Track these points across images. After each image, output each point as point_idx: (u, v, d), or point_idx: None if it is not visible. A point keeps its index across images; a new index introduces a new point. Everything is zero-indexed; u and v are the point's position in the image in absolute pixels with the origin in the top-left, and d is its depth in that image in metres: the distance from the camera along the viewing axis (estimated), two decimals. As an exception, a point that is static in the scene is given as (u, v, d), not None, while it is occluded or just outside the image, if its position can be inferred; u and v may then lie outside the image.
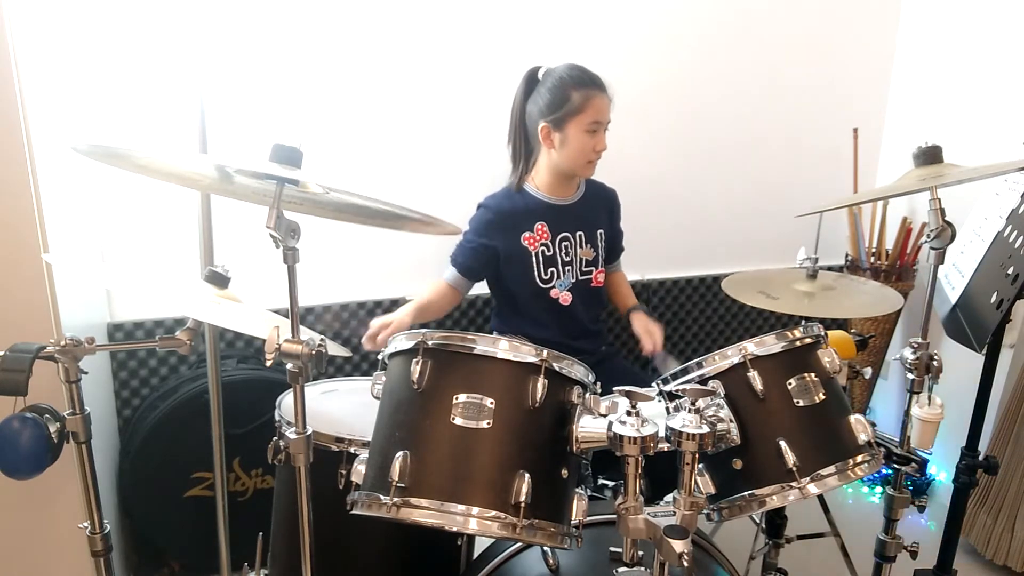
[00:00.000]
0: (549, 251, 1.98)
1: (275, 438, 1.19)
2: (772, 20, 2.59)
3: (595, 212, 2.07)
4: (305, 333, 1.10)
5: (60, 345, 1.21)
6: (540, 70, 1.96)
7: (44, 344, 1.20)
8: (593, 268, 2.05)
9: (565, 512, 1.06)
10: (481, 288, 2.14)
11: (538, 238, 1.97)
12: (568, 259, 2.00)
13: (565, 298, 2.00)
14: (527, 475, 1.00)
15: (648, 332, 1.99)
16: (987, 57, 2.43)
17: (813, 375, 1.20)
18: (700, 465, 1.16)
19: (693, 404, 1.00)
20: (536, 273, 1.97)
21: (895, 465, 1.48)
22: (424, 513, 0.98)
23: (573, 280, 2.01)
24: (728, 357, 1.20)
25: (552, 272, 1.98)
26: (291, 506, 1.14)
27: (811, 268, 1.64)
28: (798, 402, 1.18)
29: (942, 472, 2.59)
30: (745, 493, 1.16)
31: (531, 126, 1.94)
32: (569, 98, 1.84)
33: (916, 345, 1.41)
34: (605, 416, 1.06)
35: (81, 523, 1.33)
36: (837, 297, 1.62)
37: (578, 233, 2.02)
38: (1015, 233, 1.59)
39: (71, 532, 1.43)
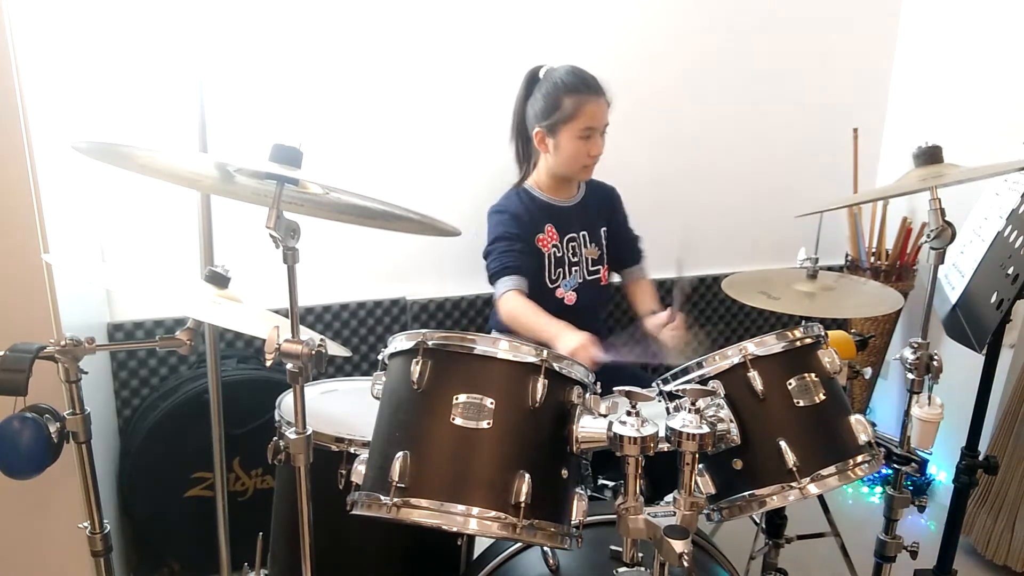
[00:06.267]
0: (559, 252, 1.98)
1: (275, 438, 1.18)
2: (773, 20, 2.59)
3: (596, 211, 2.07)
4: (305, 333, 1.10)
5: (60, 345, 1.21)
6: (542, 70, 1.95)
7: (44, 344, 1.20)
8: (600, 266, 2.05)
9: (565, 512, 1.06)
10: (481, 288, 2.15)
11: (549, 240, 1.96)
12: (576, 259, 2.00)
13: (570, 298, 2.00)
14: (527, 475, 0.99)
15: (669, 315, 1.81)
16: (987, 57, 2.43)
17: (813, 375, 1.20)
18: (700, 465, 1.16)
19: (693, 404, 1.00)
20: (546, 274, 1.97)
21: (895, 465, 1.48)
22: (424, 513, 0.98)
23: (580, 280, 2.01)
24: (728, 357, 1.20)
25: (560, 273, 1.98)
26: (291, 506, 1.13)
27: (811, 268, 1.64)
28: (798, 402, 1.18)
29: (942, 472, 2.59)
30: (745, 493, 1.16)
31: (529, 129, 1.94)
32: (561, 104, 1.83)
33: (916, 345, 1.41)
34: (605, 416, 1.06)
35: (81, 523, 1.33)
36: (837, 297, 1.62)
37: (582, 233, 2.02)
38: (1015, 233, 1.59)
39: (71, 532, 1.43)
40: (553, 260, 1.97)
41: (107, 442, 1.98)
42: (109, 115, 1.98)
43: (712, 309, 2.76)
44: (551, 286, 1.98)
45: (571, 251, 2.00)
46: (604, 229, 2.07)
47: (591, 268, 2.03)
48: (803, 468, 1.13)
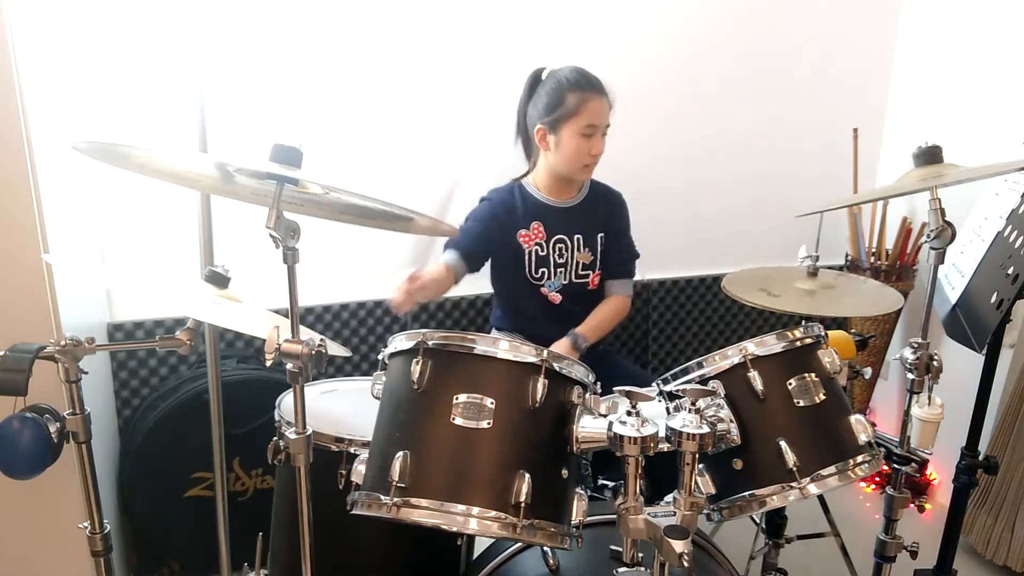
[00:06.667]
0: (543, 251, 1.97)
1: (275, 438, 1.18)
2: (773, 20, 2.59)
3: (596, 215, 2.05)
4: (305, 333, 1.10)
5: (60, 345, 1.21)
6: (544, 71, 1.95)
7: (44, 344, 1.20)
8: (590, 272, 2.03)
9: (565, 512, 1.06)
10: (481, 288, 2.15)
11: (533, 237, 1.96)
12: (562, 261, 1.99)
13: (554, 297, 2.00)
14: (527, 475, 0.99)
15: None
16: (987, 57, 2.43)
17: (813, 375, 1.20)
18: (700, 465, 1.16)
19: (693, 404, 1.00)
20: (528, 270, 1.97)
21: (895, 465, 1.48)
22: (424, 513, 0.98)
23: (565, 282, 2.00)
24: (728, 357, 1.20)
25: (543, 272, 1.98)
26: (291, 506, 1.14)
27: (812, 266, 1.64)
28: (798, 402, 1.18)
29: (942, 472, 2.58)
30: (745, 493, 1.16)
31: (530, 128, 1.94)
32: (564, 101, 1.83)
33: (916, 345, 1.41)
34: (605, 416, 1.06)
35: (81, 523, 1.33)
36: (838, 295, 1.62)
37: (576, 236, 2.00)
38: (1015, 233, 1.59)
39: (71, 532, 1.43)
40: (535, 258, 1.97)
41: (107, 442, 1.98)
42: (109, 115, 1.98)
43: (712, 309, 2.76)
44: (534, 283, 1.98)
45: (557, 252, 1.99)
46: (602, 235, 2.04)
47: (580, 272, 2.01)
48: (803, 468, 1.13)
